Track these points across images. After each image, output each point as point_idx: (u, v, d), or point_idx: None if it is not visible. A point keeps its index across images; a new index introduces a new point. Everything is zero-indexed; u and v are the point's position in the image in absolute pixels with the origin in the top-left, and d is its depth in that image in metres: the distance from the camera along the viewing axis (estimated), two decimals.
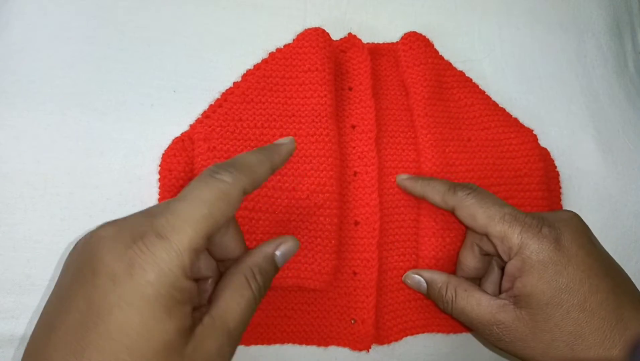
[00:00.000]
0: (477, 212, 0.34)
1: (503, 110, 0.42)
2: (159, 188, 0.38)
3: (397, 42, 0.42)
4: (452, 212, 0.36)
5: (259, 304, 0.29)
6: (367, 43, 0.42)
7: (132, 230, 0.24)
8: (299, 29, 0.42)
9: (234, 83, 0.40)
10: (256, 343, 0.39)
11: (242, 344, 0.39)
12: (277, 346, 0.39)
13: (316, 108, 0.38)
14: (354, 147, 0.39)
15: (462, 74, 0.42)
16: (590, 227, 0.42)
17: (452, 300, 0.35)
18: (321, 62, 0.39)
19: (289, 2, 0.44)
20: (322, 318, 0.38)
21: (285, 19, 0.43)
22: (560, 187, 0.41)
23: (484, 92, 0.42)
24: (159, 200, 0.38)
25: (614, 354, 0.30)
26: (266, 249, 0.31)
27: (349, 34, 0.41)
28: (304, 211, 0.37)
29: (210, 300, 0.27)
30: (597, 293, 0.31)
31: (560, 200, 0.41)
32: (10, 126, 0.39)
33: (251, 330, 0.38)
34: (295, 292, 0.39)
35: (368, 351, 0.39)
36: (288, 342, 0.39)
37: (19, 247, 0.37)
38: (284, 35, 0.42)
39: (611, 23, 0.46)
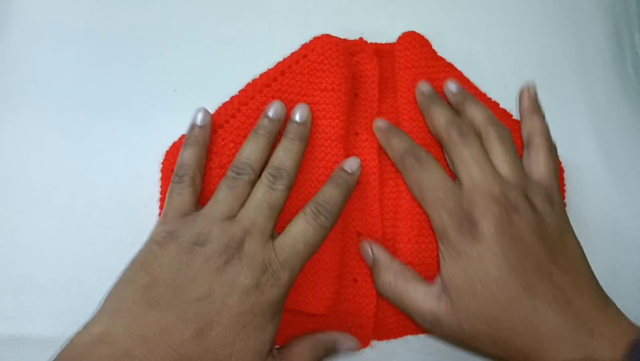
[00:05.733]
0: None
1: (500, 113, 0.41)
2: (161, 187, 0.38)
3: (394, 42, 0.42)
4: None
5: None
6: (370, 43, 0.41)
7: None
8: (300, 28, 0.42)
9: (246, 90, 0.39)
10: None
11: None
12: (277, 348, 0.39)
13: (327, 130, 0.38)
14: (356, 155, 0.39)
15: (459, 75, 0.41)
16: (589, 227, 0.42)
17: (389, 285, 0.36)
18: (338, 82, 0.38)
19: (290, 2, 0.44)
20: (321, 323, 0.38)
21: (286, 19, 0.43)
22: (564, 185, 0.41)
23: (483, 94, 0.41)
24: (160, 199, 0.38)
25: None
26: (337, 337, 0.36)
27: (360, 38, 0.41)
28: None
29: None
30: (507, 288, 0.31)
31: (564, 198, 0.41)
32: (11, 126, 0.39)
33: None
34: None
35: (365, 347, 0.38)
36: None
37: (19, 247, 0.37)
38: (284, 35, 0.42)
39: (610, 24, 0.47)
